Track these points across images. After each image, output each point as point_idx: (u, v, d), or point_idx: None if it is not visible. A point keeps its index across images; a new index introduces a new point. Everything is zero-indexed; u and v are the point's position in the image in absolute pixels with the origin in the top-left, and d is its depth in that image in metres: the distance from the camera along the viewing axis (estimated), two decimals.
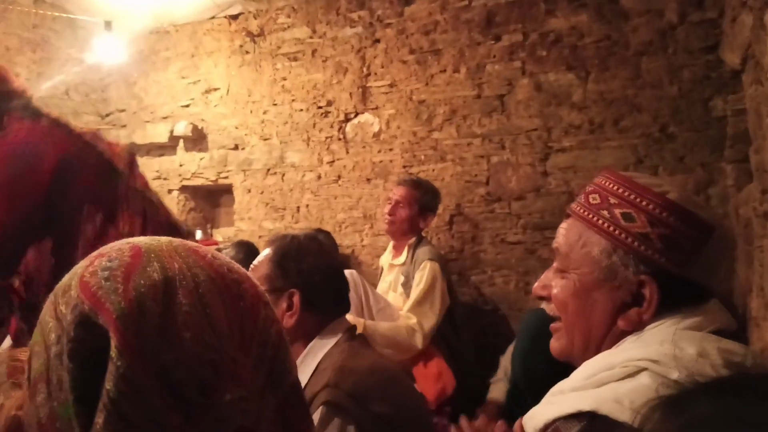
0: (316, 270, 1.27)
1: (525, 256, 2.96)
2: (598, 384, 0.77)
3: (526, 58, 2.97)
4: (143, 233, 1.53)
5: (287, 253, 1.29)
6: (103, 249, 0.54)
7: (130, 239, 0.56)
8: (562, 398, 0.81)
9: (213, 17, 3.84)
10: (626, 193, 0.85)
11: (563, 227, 0.93)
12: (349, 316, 2.05)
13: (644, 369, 0.73)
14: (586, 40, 2.83)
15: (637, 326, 0.82)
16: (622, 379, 0.74)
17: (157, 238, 0.56)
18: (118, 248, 0.53)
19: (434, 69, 3.19)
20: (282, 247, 1.31)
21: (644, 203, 0.83)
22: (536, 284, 0.95)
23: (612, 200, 0.86)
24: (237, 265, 0.58)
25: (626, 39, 2.74)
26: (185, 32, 3.95)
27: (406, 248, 2.62)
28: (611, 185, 0.88)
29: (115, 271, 0.50)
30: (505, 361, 2.36)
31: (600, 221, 0.86)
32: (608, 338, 0.84)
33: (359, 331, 2.02)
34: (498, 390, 2.29)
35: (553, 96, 2.91)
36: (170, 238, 0.57)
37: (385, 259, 2.80)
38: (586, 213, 0.88)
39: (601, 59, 2.79)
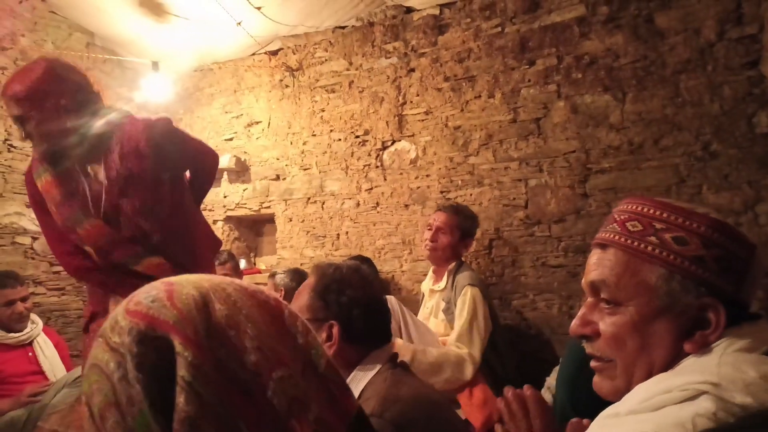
0: (355, 303, 1.29)
1: (567, 279, 2.92)
2: (655, 407, 0.75)
3: (562, 81, 2.97)
4: None
5: (328, 285, 1.32)
6: (136, 291, 0.61)
7: (162, 279, 0.63)
8: (618, 422, 0.79)
9: (254, 54, 3.99)
10: (672, 217, 0.83)
11: (600, 258, 0.88)
12: (399, 341, 2.07)
13: (704, 392, 0.72)
14: (621, 61, 2.82)
15: (702, 349, 0.79)
16: (681, 402, 0.73)
17: (181, 276, 0.64)
18: (151, 285, 0.61)
19: (469, 95, 3.22)
20: (324, 278, 1.35)
21: (695, 225, 0.81)
22: (575, 323, 0.90)
23: (658, 225, 0.83)
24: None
25: (663, 58, 2.72)
26: (227, 69, 4.11)
27: (446, 274, 2.63)
28: (651, 210, 0.85)
29: (159, 296, 0.58)
30: (550, 380, 2.32)
31: (649, 248, 0.82)
32: (673, 365, 0.81)
33: (408, 355, 2.04)
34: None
35: (590, 118, 2.89)
36: (195, 275, 0.65)
37: (426, 285, 2.81)
38: (630, 241, 0.85)
39: (638, 79, 2.77)
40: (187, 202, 1.95)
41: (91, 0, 3.48)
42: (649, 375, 0.82)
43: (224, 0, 3.22)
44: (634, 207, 0.88)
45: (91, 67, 3.98)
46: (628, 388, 0.84)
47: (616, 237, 0.87)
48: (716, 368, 0.75)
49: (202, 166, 2.03)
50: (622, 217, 0.88)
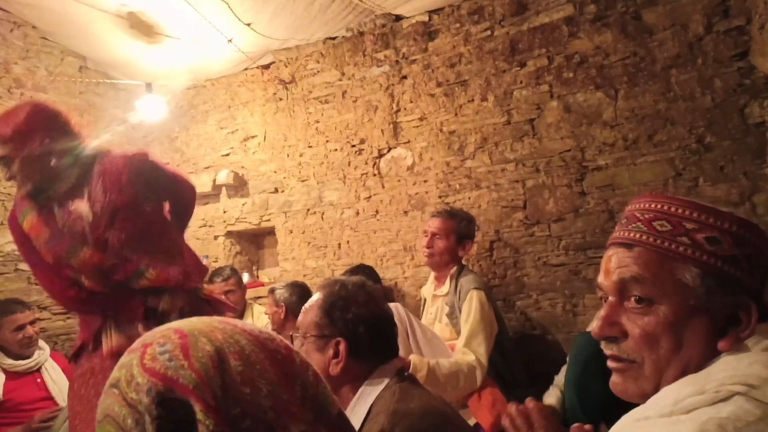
0: (361, 320, 1.31)
1: (570, 277, 2.94)
2: (688, 409, 0.74)
3: (553, 81, 2.99)
4: None
5: (334, 302, 1.33)
6: (146, 337, 0.62)
7: (169, 325, 0.64)
8: (651, 425, 0.78)
9: (246, 69, 4.01)
10: (703, 217, 0.83)
11: (623, 257, 0.87)
12: (415, 358, 2.09)
13: (737, 393, 0.72)
14: (612, 59, 2.83)
15: (735, 347, 0.80)
16: (715, 403, 0.73)
17: (190, 319, 0.65)
18: (162, 334, 0.62)
19: (462, 99, 3.24)
20: (330, 295, 1.36)
21: (726, 225, 0.82)
22: (598, 324, 0.87)
23: (689, 225, 0.83)
24: (262, 327, 0.68)
25: (653, 54, 2.74)
26: (221, 85, 4.13)
27: (448, 278, 2.64)
28: (680, 210, 0.84)
29: (174, 352, 0.58)
30: (559, 378, 2.33)
31: (681, 248, 0.82)
32: (703, 365, 0.81)
33: (424, 370, 2.06)
34: (551, 396, 2.25)
35: (583, 116, 2.91)
36: (202, 318, 0.66)
37: (428, 290, 2.82)
38: (660, 241, 0.84)
39: (630, 76, 2.79)
40: (171, 232, 2.00)
41: (83, 25, 3.50)
42: (683, 375, 0.81)
43: (214, 18, 3.24)
44: (660, 206, 0.87)
45: (85, 90, 4.01)
46: (655, 390, 0.83)
47: (644, 237, 0.85)
48: (747, 368, 0.75)
49: (181, 195, 2.09)
50: (646, 216, 0.87)
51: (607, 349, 0.87)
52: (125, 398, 0.57)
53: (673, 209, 0.85)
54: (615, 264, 0.87)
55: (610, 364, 0.88)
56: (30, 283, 3.46)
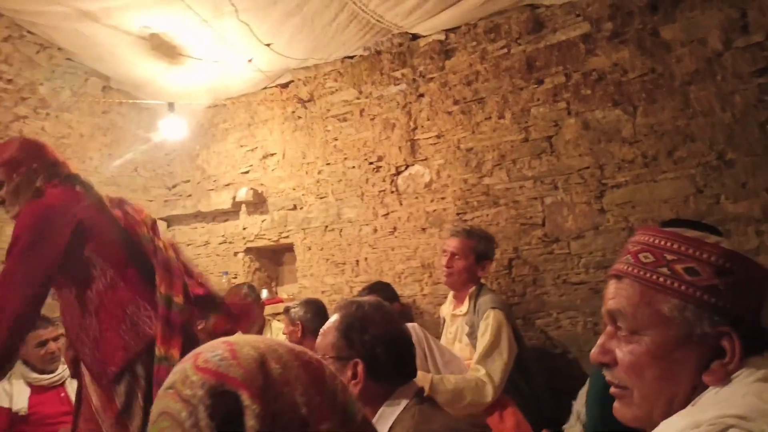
0: (378, 341, 1.31)
1: (590, 296, 2.91)
2: None
3: (571, 98, 2.99)
4: (168, 279, 1.93)
5: (352, 324, 1.34)
6: (197, 350, 0.71)
7: (217, 339, 0.72)
8: None
9: (265, 88, 4.07)
10: (683, 248, 0.84)
11: (616, 288, 0.90)
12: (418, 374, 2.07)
13: (731, 426, 0.72)
14: (630, 75, 2.83)
15: (723, 380, 0.80)
16: None
17: (237, 336, 0.76)
18: (212, 345, 0.70)
19: (479, 117, 3.25)
20: (347, 317, 1.37)
21: (705, 255, 0.83)
22: (594, 350, 0.92)
23: (669, 257, 0.85)
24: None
25: (671, 70, 2.72)
26: (240, 104, 4.20)
27: (467, 298, 2.63)
28: (661, 242, 0.87)
29: (224, 355, 0.67)
30: (578, 406, 2.30)
31: (662, 279, 0.84)
32: (695, 397, 0.82)
33: (426, 386, 2.04)
34: (572, 429, 2.23)
35: (602, 133, 2.90)
36: (245, 335, 0.75)
37: (447, 309, 2.81)
38: (642, 273, 0.86)
39: (648, 92, 2.78)
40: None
41: (106, 46, 3.59)
42: (669, 405, 0.83)
43: (235, 39, 3.31)
44: (646, 238, 0.90)
45: (108, 110, 4.09)
46: (649, 417, 0.85)
47: (630, 268, 0.89)
48: (741, 400, 0.75)
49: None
50: (635, 248, 0.90)
51: (607, 376, 0.91)
52: (180, 395, 0.64)
53: (656, 241, 0.88)
54: (608, 294, 0.92)
55: (611, 390, 0.91)
56: (53, 298, 3.51)
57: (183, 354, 1.71)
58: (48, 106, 3.71)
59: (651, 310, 0.84)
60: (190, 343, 1.79)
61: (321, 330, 1.43)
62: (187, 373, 0.66)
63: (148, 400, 1.76)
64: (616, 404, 0.91)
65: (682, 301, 0.82)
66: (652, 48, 2.77)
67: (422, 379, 2.07)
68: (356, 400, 0.72)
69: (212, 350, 0.68)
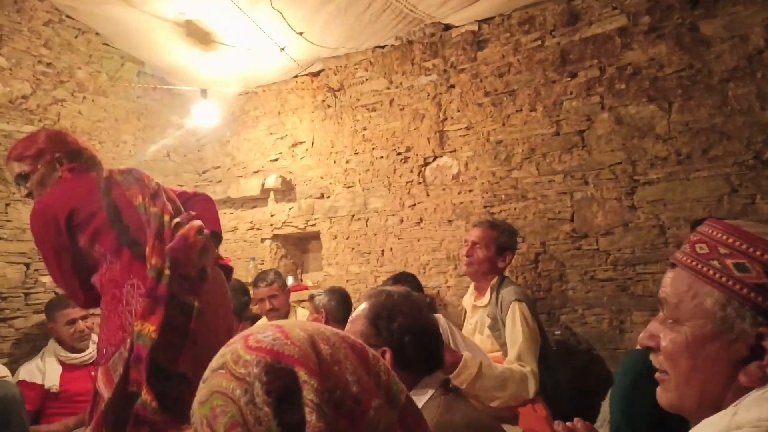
0: (406, 330, 1.33)
1: (617, 293, 2.88)
2: None
3: (605, 93, 2.94)
4: (159, 249, 1.88)
5: (380, 313, 1.36)
6: (243, 333, 0.73)
7: (267, 323, 0.75)
8: None
9: (296, 76, 4.10)
10: (737, 243, 0.83)
11: (669, 277, 0.91)
12: (468, 354, 2.08)
13: None
14: (666, 71, 2.77)
15: (761, 381, 0.79)
16: None
17: (284, 320, 0.78)
18: (260, 328, 0.73)
19: (510, 109, 3.23)
20: (376, 305, 1.39)
21: (758, 253, 0.81)
22: (642, 334, 0.93)
23: (722, 250, 0.84)
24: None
25: (710, 67, 2.66)
26: (271, 92, 4.23)
27: (489, 289, 2.62)
28: (719, 235, 0.86)
29: (276, 335, 0.69)
30: (605, 406, 2.28)
31: (710, 272, 0.83)
32: (730, 394, 0.81)
33: (475, 369, 2.04)
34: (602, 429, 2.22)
35: (635, 129, 2.86)
36: (293, 320, 0.74)
37: (468, 300, 2.81)
38: (694, 263, 0.86)
39: (684, 89, 2.73)
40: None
41: (142, 32, 3.65)
42: (700, 397, 0.83)
43: (268, 27, 3.33)
44: (707, 229, 0.89)
45: (142, 95, 4.16)
46: (681, 404, 0.86)
47: (684, 257, 0.89)
48: None
49: None
50: (695, 238, 0.89)
51: (652, 359, 0.92)
52: (233, 374, 0.66)
53: (714, 233, 0.87)
54: (663, 281, 0.92)
55: (656, 374, 0.92)
56: None
57: (161, 327, 1.75)
58: (85, 90, 3.79)
59: (695, 302, 0.84)
60: (180, 310, 1.83)
61: (350, 317, 1.45)
62: (239, 353, 0.68)
63: (125, 379, 1.75)
64: (658, 388, 0.91)
65: (726, 296, 0.81)
66: (690, 43, 2.71)
67: (471, 361, 2.07)
68: (399, 381, 0.74)
69: (262, 332, 0.70)
